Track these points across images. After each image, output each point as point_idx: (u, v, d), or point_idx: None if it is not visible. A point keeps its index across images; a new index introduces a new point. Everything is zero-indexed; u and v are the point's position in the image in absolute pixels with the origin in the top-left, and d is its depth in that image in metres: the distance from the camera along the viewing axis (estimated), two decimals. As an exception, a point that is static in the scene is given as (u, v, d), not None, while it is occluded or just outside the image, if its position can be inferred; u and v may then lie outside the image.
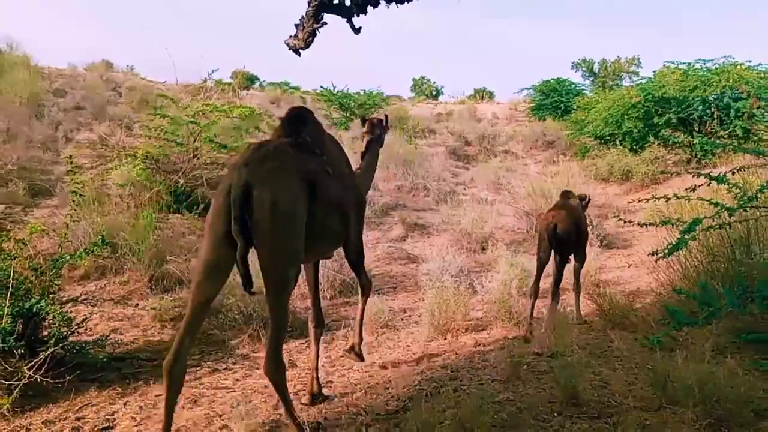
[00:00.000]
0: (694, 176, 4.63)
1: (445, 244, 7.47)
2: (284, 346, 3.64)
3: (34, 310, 3.69)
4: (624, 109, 12.68)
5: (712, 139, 11.15)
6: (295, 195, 2.79)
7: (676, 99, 11.97)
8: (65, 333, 3.84)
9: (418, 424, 2.93)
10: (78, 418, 3.36)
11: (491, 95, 29.47)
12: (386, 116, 4.55)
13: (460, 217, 8.43)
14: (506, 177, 11.93)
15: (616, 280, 6.29)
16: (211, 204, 2.78)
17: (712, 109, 11.50)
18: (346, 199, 3.33)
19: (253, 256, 2.64)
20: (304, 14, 3.42)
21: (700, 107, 11.56)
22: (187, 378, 3.63)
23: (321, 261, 4.00)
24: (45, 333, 3.88)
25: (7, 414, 3.33)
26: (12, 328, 3.55)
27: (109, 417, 3.37)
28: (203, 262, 2.70)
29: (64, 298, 4.30)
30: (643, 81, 14.45)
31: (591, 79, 27.51)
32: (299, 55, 3.48)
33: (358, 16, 3.43)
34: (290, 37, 3.47)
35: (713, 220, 4.19)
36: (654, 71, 13.78)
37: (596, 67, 28.14)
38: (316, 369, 3.55)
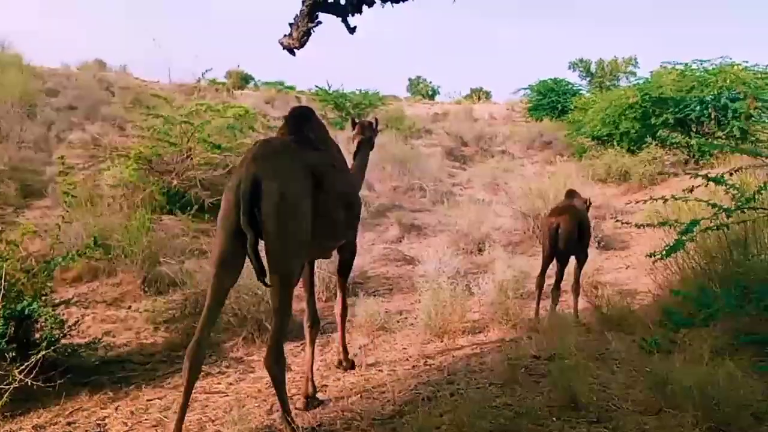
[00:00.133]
0: (691, 177, 4.62)
1: (442, 245, 7.40)
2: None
3: (26, 312, 3.64)
4: (621, 109, 12.65)
5: (710, 139, 11.17)
6: (302, 187, 2.89)
7: (673, 99, 11.94)
8: (57, 335, 3.78)
9: (414, 429, 2.89)
10: (69, 423, 3.31)
11: (488, 95, 29.63)
12: (376, 120, 4.71)
13: (457, 218, 8.37)
14: (503, 177, 11.89)
15: (613, 282, 6.24)
16: (222, 199, 2.92)
17: (710, 110, 11.48)
18: (350, 193, 3.45)
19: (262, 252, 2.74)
20: (298, 13, 3.37)
21: (698, 108, 11.53)
22: (178, 382, 3.61)
23: (316, 261, 4.06)
24: (37, 335, 3.82)
25: (-4, 419, 3.28)
26: (3, 331, 3.51)
27: (100, 422, 3.32)
28: (218, 255, 2.86)
29: (56, 301, 4.23)
30: (641, 81, 14.46)
31: (588, 79, 27.64)
32: (294, 54, 3.43)
33: (353, 15, 3.38)
34: (285, 36, 3.43)
35: (711, 222, 4.18)
36: (651, 71, 13.85)
37: (593, 67, 28.27)
38: (311, 371, 3.53)
